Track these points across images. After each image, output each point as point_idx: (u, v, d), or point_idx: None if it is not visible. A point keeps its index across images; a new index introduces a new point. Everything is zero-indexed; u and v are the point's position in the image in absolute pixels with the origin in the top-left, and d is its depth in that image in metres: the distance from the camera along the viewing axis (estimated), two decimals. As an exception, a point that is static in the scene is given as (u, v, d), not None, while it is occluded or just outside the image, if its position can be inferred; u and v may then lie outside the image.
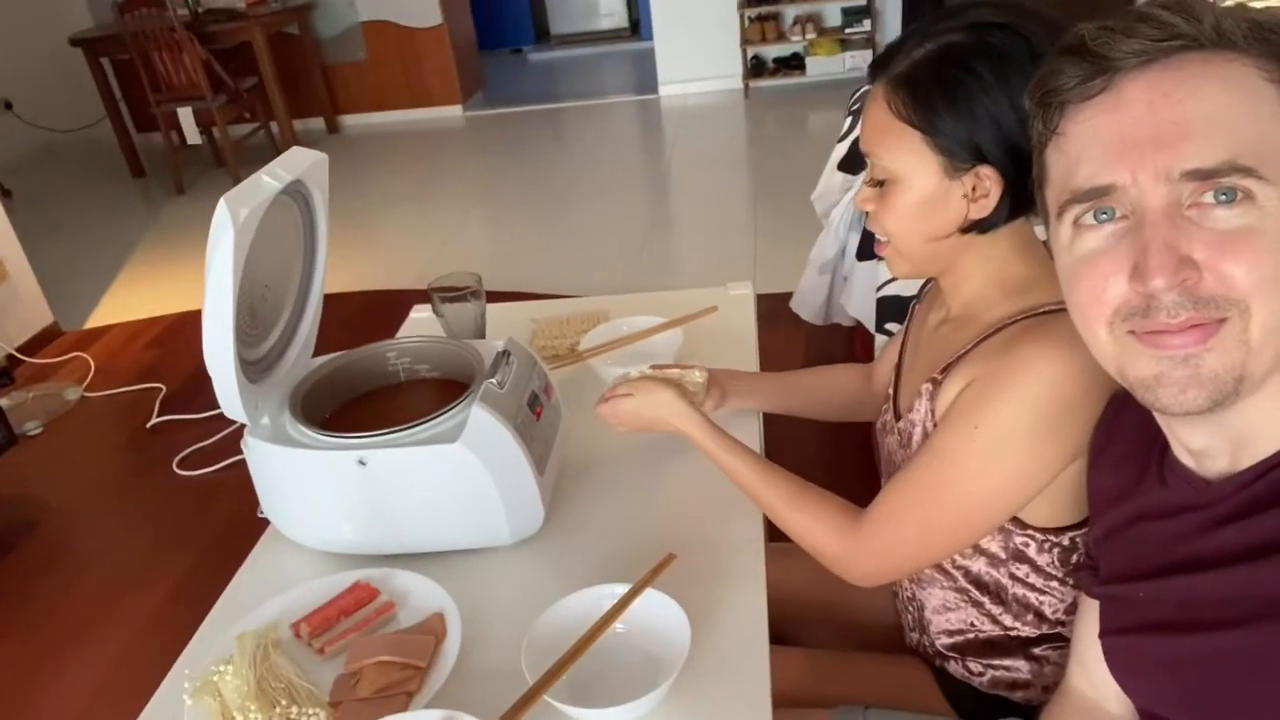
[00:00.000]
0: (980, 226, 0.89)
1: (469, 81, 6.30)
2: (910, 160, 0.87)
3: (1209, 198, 0.59)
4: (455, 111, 6.14)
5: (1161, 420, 0.69)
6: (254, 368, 1.10)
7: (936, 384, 0.92)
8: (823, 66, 5.56)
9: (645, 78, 6.25)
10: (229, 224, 0.92)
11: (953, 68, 0.83)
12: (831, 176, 2.66)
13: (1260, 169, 0.58)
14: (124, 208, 5.24)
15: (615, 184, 4.77)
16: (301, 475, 1.06)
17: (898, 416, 1.04)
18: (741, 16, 5.51)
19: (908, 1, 5.34)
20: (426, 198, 4.79)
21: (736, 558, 1.04)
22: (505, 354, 1.14)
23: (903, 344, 1.10)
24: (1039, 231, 0.84)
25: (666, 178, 4.72)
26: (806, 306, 2.28)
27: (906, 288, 1.86)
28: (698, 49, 5.75)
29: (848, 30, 5.51)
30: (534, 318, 1.62)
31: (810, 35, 5.51)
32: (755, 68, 5.71)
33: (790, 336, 2.69)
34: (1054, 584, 0.94)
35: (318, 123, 6.08)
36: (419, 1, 5.82)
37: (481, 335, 1.47)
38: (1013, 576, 0.95)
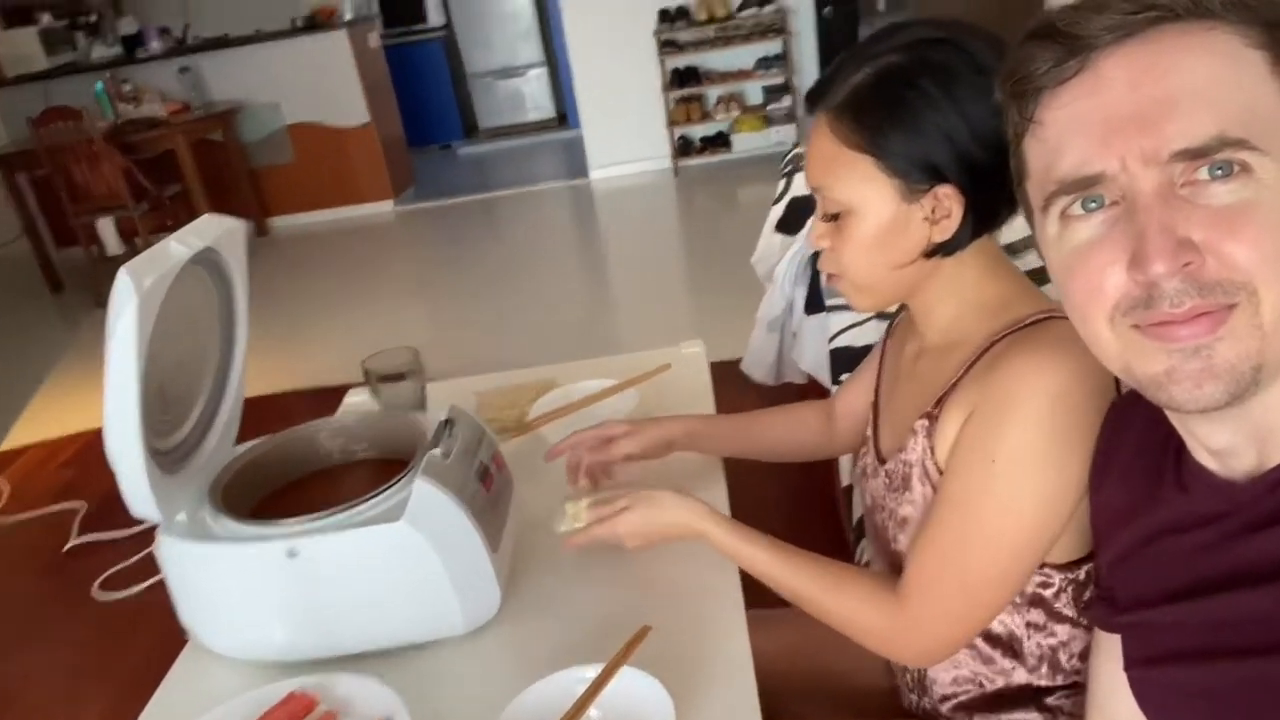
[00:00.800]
0: (944, 249, 0.84)
1: (399, 177, 6.29)
2: (864, 188, 0.82)
3: (1203, 173, 0.54)
4: (387, 207, 6.10)
5: (1176, 420, 0.64)
6: (167, 458, 0.99)
7: (933, 419, 0.86)
8: (749, 142, 5.68)
9: (576, 164, 6.32)
10: (131, 294, 0.83)
11: (896, 87, 0.80)
12: (770, 238, 2.66)
13: (1252, 139, 0.54)
14: (42, 325, 5.04)
15: (553, 266, 4.75)
16: (223, 573, 0.95)
17: (881, 459, 0.97)
18: (666, 99, 5.62)
19: (825, 76, 5.52)
20: (361, 293, 4.70)
21: (718, 627, 0.95)
22: (449, 423, 1.05)
23: (877, 381, 1.04)
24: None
25: (604, 256, 4.73)
26: (758, 366, 2.23)
27: (860, 337, 1.82)
28: (625, 133, 5.83)
29: (770, 107, 5.66)
30: (477, 391, 1.53)
31: (734, 113, 5.65)
32: (683, 147, 5.81)
33: (741, 402, 2.63)
34: (1068, 627, 0.87)
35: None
36: (345, 102, 5.83)
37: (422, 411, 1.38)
38: (1030, 625, 0.87)
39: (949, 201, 0.81)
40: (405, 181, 6.44)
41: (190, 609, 1.00)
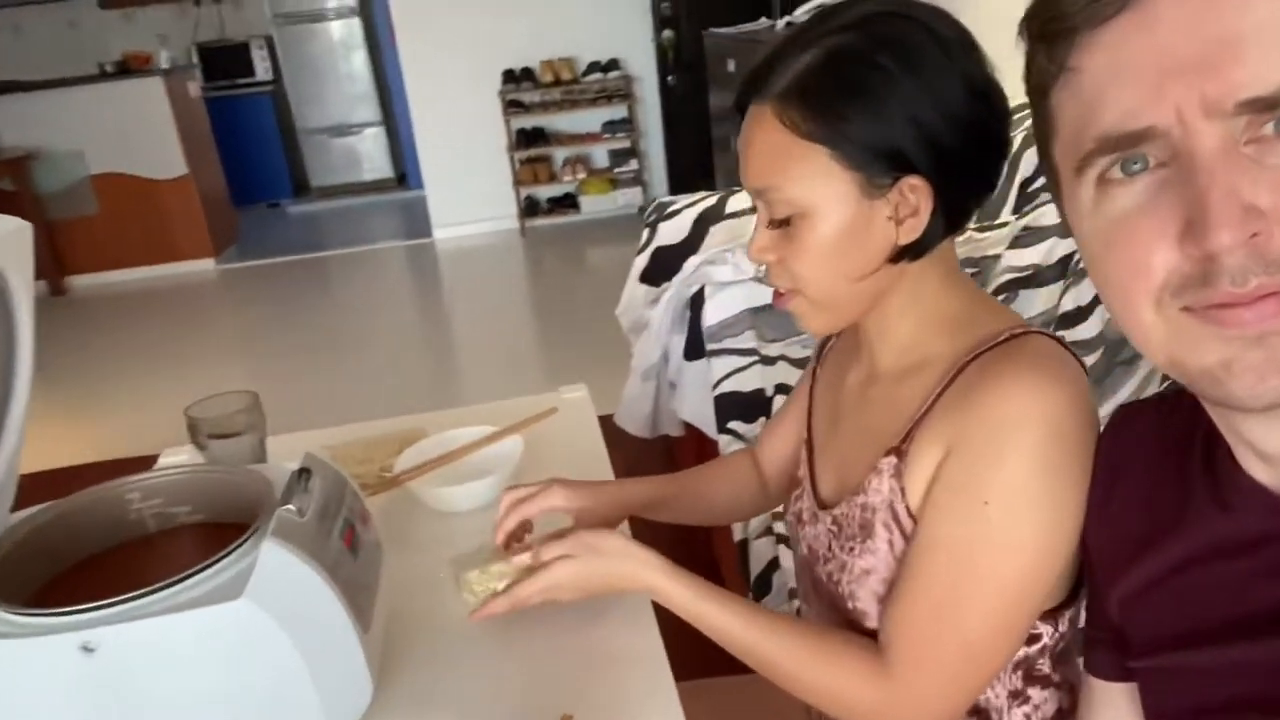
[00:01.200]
0: (911, 252, 0.74)
1: (221, 234, 5.84)
2: (819, 185, 0.71)
3: (1270, 128, 0.45)
4: (207, 265, 5.63)
5: (1225, 422, 0.54)
6: (-92, 529, 0.73)
7: (901, 455, 0.74)
8: (596, 204, 5.65)
9: (417, 223, 6.08)
10: None
11: (851, 65, 0.69)
12: (635, 289, 2.56)
13: None
14: None
15: (395, 324, 4.49)
16: (-13, 683, 0.70)
17: (822, 504, 0.85)
18: (512, 159, 5.53)
19: (669, 144, 5.60)
20: (177, 356, 4.25)
21: (645, 707, 0.78)
22: (304, 473, 0.85)
23: (809, 418, 0.92)
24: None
25: (450, 314, 4.51)
26: (632, 419, 2.10)
27: (746, 382, 1.73)
28: (471, 192, 5.67)
29: (616, 170, 5.67)
30: (328, 444, 1.31)
31: (581, 175, 5.62)
32: (530, 208, 5.70)
33: (618, 456, 2.49)
34: (1041, 690, 0.76)
35: (39, 286, 5.34)
36: (159, 153, 5.38)
37: (262, 468, 1.15)
38: (1014, 695, 0.76)
39: (916, 195, 0.71)
40: (228, 239, 5.99)
41: (-64, 736, 0.74)
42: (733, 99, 0.77)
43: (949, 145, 0.69)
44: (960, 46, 0.69)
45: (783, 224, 0.74)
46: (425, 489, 1.11)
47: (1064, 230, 1.78)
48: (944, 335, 0.76)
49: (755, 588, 1.45)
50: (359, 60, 7.26)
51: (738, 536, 1.60)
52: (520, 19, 5.40)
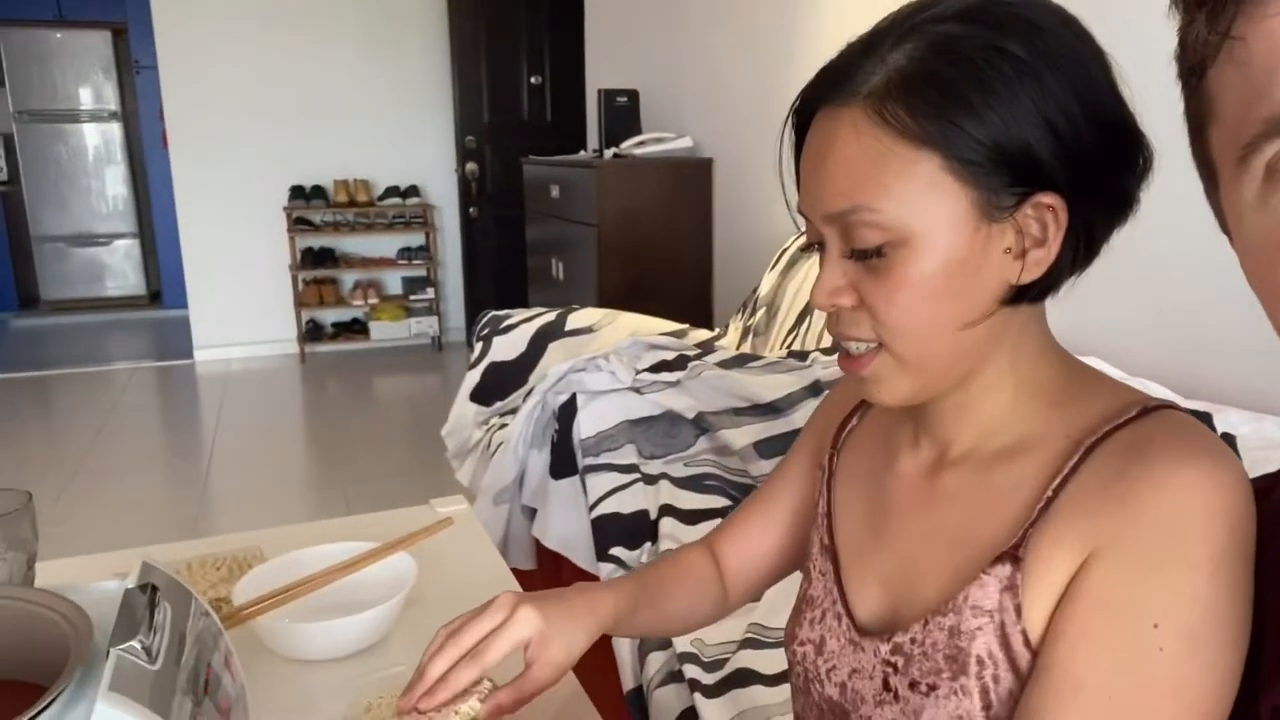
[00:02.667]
0: (1032, 293, 0.59)
1: (-81, 345, 4.89)
2: (926, 202, 0.55)
3: None
4: (-108, 379, 4.66)
5: None
6: None
7: (1016, 562, 0.57)
8: (387, 331, 5.31)
9: (174, 343, 5.42)
10: None
11: (971, 51, 0.55)
12: (464, 408, 2.32)
13: None
14: None
15: (138, 452, 3.86)
16: None
17: (860, 628, 0.66)
18: (295, 279, 5.11)
19: (469, 275, 5.44)
20: None
21: None
22: (149, 590, 0.54)
23: (827, 520, 0.74)
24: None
25: (209, 444, 3.93)
26: (476, 551, 1.80)
27: (629, 502, 1.52)
28: (244, 311, 5.15)
29: (411, 297, 5.40)
30: (116, 571, 0.95)
31: (373, 301, 5.28)
32: (312, 332, 5.25)
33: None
34: None
35: None
36: None
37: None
38: None
39: (1046, 218, 0.57)
40: (-73, 350, 5.02)
41: None
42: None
43: (1090, 153, 0.56)
44: (1091, 38, 0.58)
45: (867, 256, 0.58)
46: (281, 628, 0.80)
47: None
48: (1045, 411, 0.61)
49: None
50: (115, 167, 6.61)
51: (628, 685, 1.35)
52: (313, 135, 5.13)
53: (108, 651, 0.48)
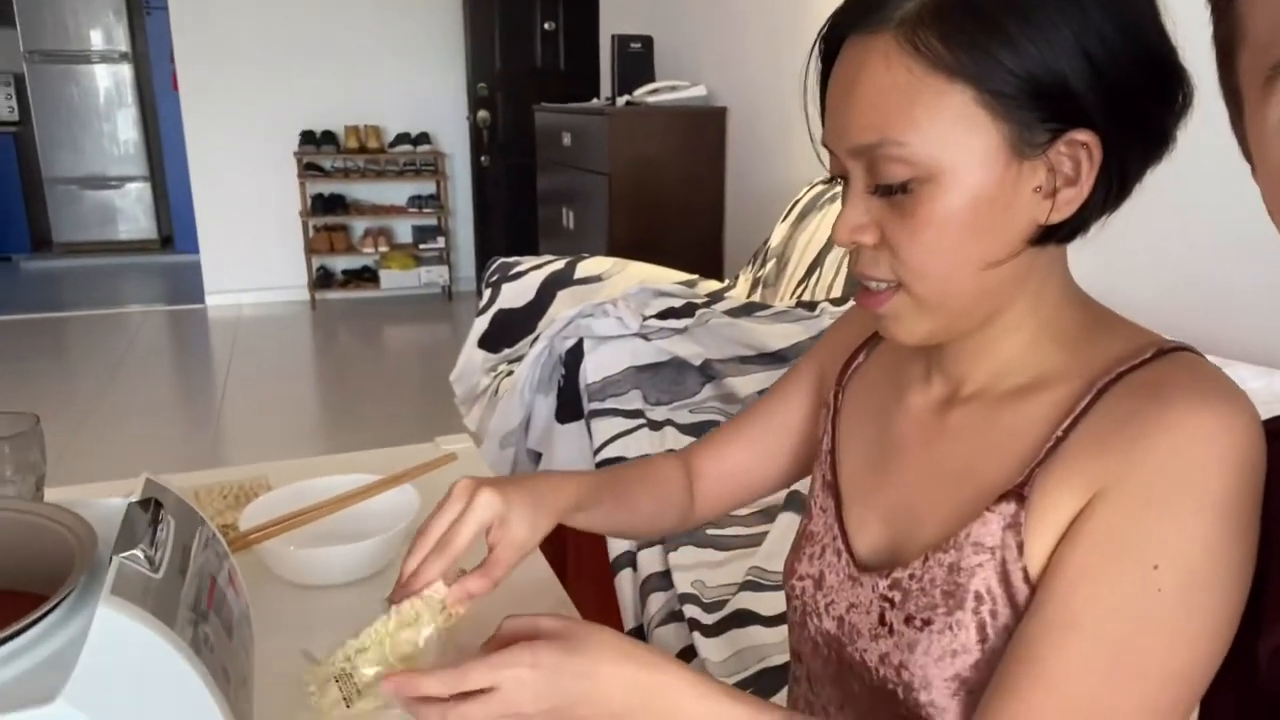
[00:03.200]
0: (1061, 232, 0.57)
1: (-67, 284, 4.92)
2: (957, 135, 0.54)
3: None
4: (-93, 318, 4.69)
5: None
6: None
7: (1021, 499, 0.56)
8: (397, 280, 5.30)
9: (185, 287, 5.43)
10: None
11: None
12: (472, 354, 2.32)
13: None
14: None
15: (151, 394, 3.90)
16: None
17: (860, 563, 0.66)
18: (306, 225, 5.10)
19: (479, 224, 5.42)
20: None
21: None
22: (151, 505, 0.55)
23: (831, 448, 0.74)
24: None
25: (219, 386, 3.96)
26: (482, 493, 1.82)
27: (631, 447, 1.53)
28: (255, 257, 5.15)
29: (421, 246, 5.39)
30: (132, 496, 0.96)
31: (383, 249, 5.27)
32: (322, 279, 5.26)
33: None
34: None
35: None
36: None
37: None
38: None
39: (1080, 156, 0.55)
40: (-59, 290, 5.05)
41: None
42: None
43: (1129, 88, 0.53)
44: None
45: (892, 192, 0.57)
46: (286, 553, 0.82)
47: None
48: (1059, 352, 0.61)
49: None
50: (126, 109, 6.56)
51: (629, 625, 1.37)
52: (325, 80, 5.08)
53: (110, 559, 0.49)
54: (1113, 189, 0.57)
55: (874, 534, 0.68)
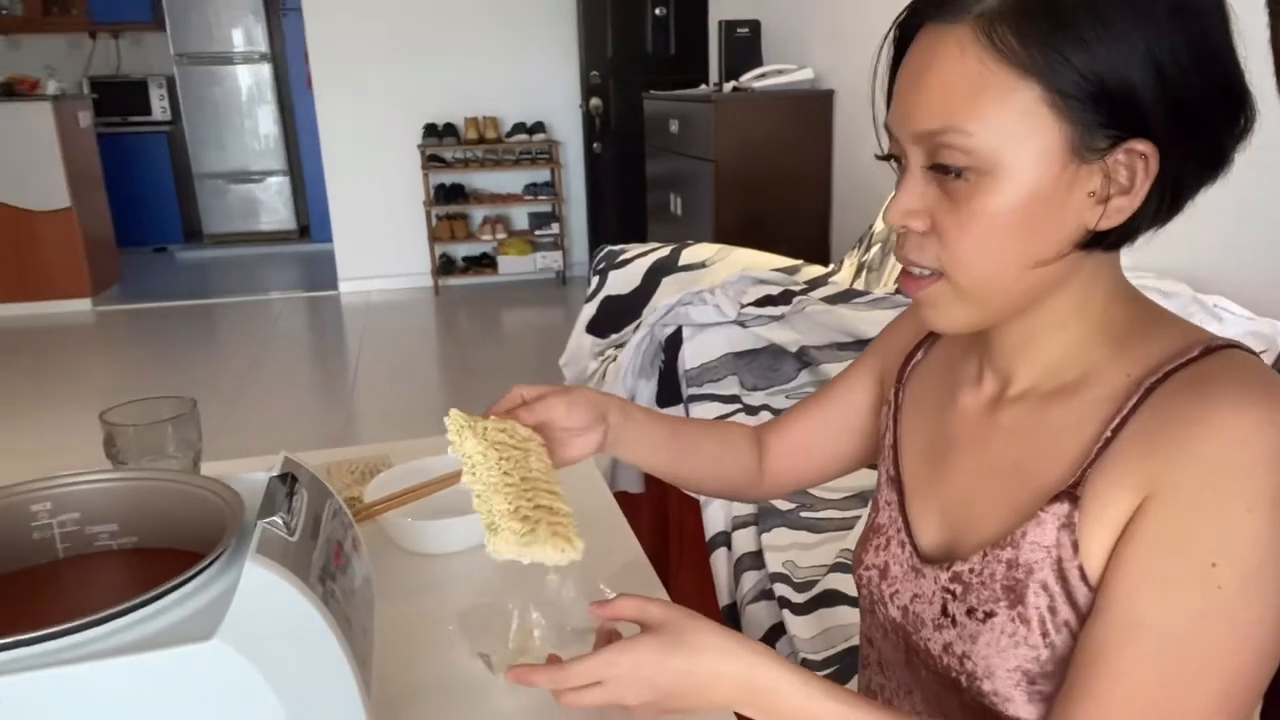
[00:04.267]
0: (1109, 240, 0.59)
1: (102, 274, 5.38)
2: (1020, 131, 0.55)
3: None
4: (83, 305, 5.16)
5: None
6: None
7: (1074, 500, 0.59)
8: (514, 266, 5.50)
9: (321, 275, 5.77)
10: None
11: None
12: (580, 339, 2.41)
13: None
14: None
15: (291, 375, 4.18)
16: None
17: (923, 555, 0.70)
18: (429, 215, 5.34)
19: (592, 210, 5.54)
20: (42, 399, 3.81)
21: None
22: (288, 479, 0.65)
23: (893, 444, 0.77)
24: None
25: (353, 369, 4.22)
26: (587, 473, 1.92)
27: (728, 430, 1.58)
28: (382, 245, 5.43)
29: (536, 232, 5.55)
30: (272, 471, 1.09)
31: (500, 236, 5.47)
32: (445, 265, 5.50)
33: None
34: None
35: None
36: (41, 181, 4.94)
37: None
38: None
39: (1137, 166, 0.56)
40: (108, 279, 5.53)
41: None
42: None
43: (1194, 104, 0.54)
44: None
45: (948, 178, 0.58)
46: (403, 524, 0.91)
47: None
48: (1107, 350, 0.62)
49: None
50: (266, 107, 6.98)
51: (724, 601, 1.43)
52: (446, 75, 5.29)
53: (255, 524, 0.58)
54: (1165, 202, 0.58)
55: (934, 527, 0.71)
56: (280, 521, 0.59)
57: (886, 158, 0.64)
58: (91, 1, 6.47)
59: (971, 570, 0.64)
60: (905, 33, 0.61)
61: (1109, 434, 0.58)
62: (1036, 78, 0.54)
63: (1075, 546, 0.58)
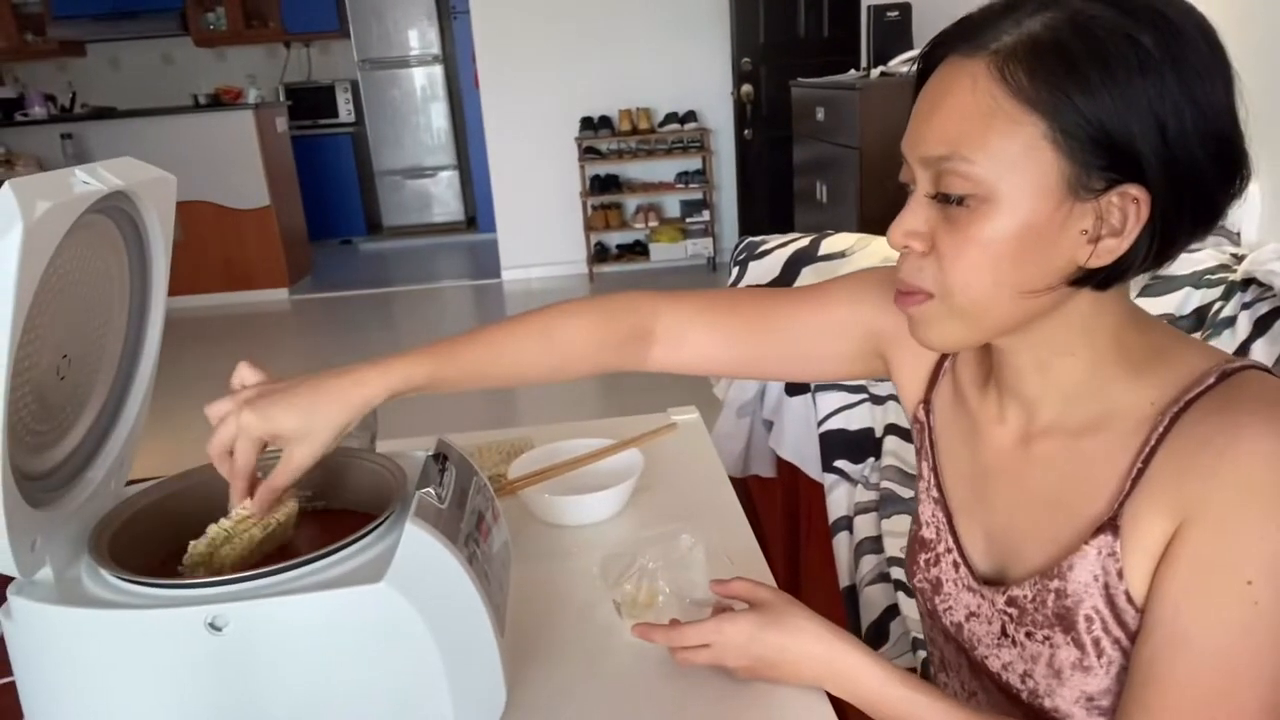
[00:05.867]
0: (1098, 279, 0.61)
1: (297, 266, 5.94)
2: (1020, 164, 0.58)
3: None
4: (281, 295, 5.71)
5: None
6: (37, 485, 0.69)
7: (1114, 531, 0.63)
8: (665, 253, 5.64)
9: (485, 264, 6.13)
10: (16, 216, 0.56)
11: (1104, 34, 0.56)
12: (721, 328, 2.50)
13: None
14: None
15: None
16: (109, 656, 0.64)
17: (980, 578, 0.74)
18: (585, 205, 5.56)
19: (742, 197, 5.59)
20: (247, 379, 4.28)
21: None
22: (440, 458, 0.79)
23: (934, 473, 0.79)
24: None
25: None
26: (725, 456, 2.01)
27: (854, 420, 1.64)
28: (542, 235, 5.70)
29: (688, 220, 5.67)
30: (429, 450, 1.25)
31: (653, 224, 5.62)
32: (599, 253, 5.71)
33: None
34: None
35: (118, 306, 5.46)
36: (245, 183, 5.51)
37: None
38: None
39: (1129, 210, 0.58)
40: (303, 270, 6.08)
41: (49, 712, 0.67)
42: (930, 45, 0.64)
43: (1191, 157, 0.57)
44: (1223, 51, 0.59)
45: (950, 203, 0.61)
46: (540, 499, 1.05)
47: (1197, 280, 1.68)
48: (1126, 378, 0.65)
49: (868, 637, 1.35)
50: (438, 105, 7.42)
51: (844, 583, 1.50)
52: (601, 68, 5.47)
53: (414, 494, 0.72)
54: (1154, 248, 0.60)
55: (981, 550, 0.75)
56: (434, 493, 0.72)
57: (901, 187, 0.67)
58: (286, 14, 7.07)
59: (1025, 596, 0.68)
60: (929, 64, 0.65)
61: (1141, 464, 0.62)
62: (1041, 114, 0.57)
63: (1120, 574, 0.62)
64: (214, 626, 0.63)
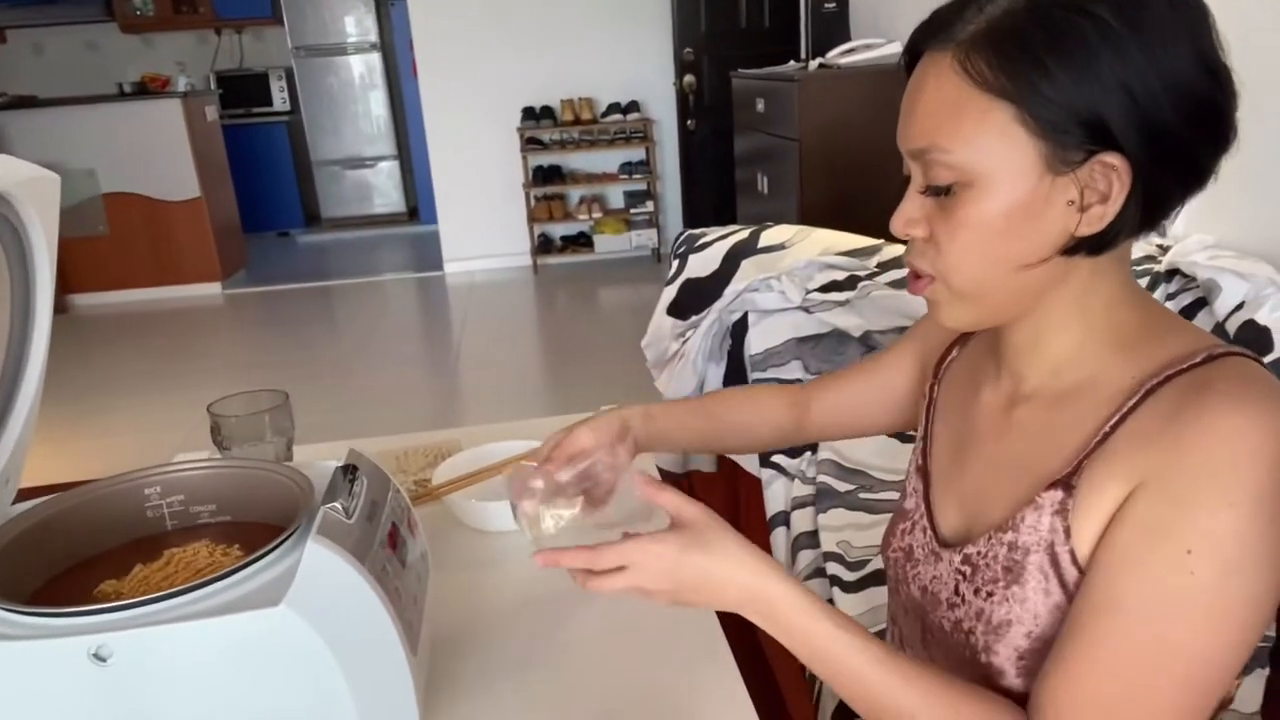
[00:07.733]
0: (1090, 245, 0.62)
1: (230, 259, 5.77)
2: (995, 148, 0.60)
3: None
4: (213, 289, 5.55)
5: None
6: (-102, 508, 0.64)
7: (1068, 488, 0.63)
8: (610, 244, 5.60)
9: (427, 257, 6.03)
10: None
11: (1060, 12, 0.58)
12: (661, 321, 2.48)
13: None
14: None
15: (402, 354, 4.40)
16: (-22, 692, 0.59)
17: (943, 541, 0.75)
18: (528, 196, 5.49)
19: (686, 188, 5.58)
20: (176, 377, 4.15)
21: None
22: (349, 470, 0.75)
23: (925, 437, 0.82)
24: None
25: (458, 347, 4.42)
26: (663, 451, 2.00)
27: (791, 414, 1.63)
28: (484, 227, 5.63)
29: (632, 211, 5.64)
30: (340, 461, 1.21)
31: (596, 215, 5.58)
32: (543, 245, 5.66)
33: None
34: None
35: (41, 302, 5.24)
36: (173, 174, 5.33)
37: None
38: None
39: (1110, 178, 0.59)
40: (236, 264, 5.92)
41: (-89, 754, 0.63)
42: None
43: (1163, 121, 0.57)
44: (1191, 9, 0.59)
45: (942, 192, 0.64)
46: (467, 503, 1.02)
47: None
48: (1114, 353, 0.65)
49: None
50: (377, 94, 7.27)
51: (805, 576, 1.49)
52: (543, 58, 5.40)
53: (320, 509, 0.69)
54: (1143, 212, 0.61)
55: (952, 515, 0.76)
56: (340, 507, 0.69)
57: (906, 178, 0.69)
58: (217, 0, 6.86)
59: (979, 552, 0.69)
60: (912, 58, 0.66)
61: (1108, 429, 0.62)
62: (1009, 100, 0.59)
63: (1067, 532, 0.63)
64: (98, 658, 0.59)
